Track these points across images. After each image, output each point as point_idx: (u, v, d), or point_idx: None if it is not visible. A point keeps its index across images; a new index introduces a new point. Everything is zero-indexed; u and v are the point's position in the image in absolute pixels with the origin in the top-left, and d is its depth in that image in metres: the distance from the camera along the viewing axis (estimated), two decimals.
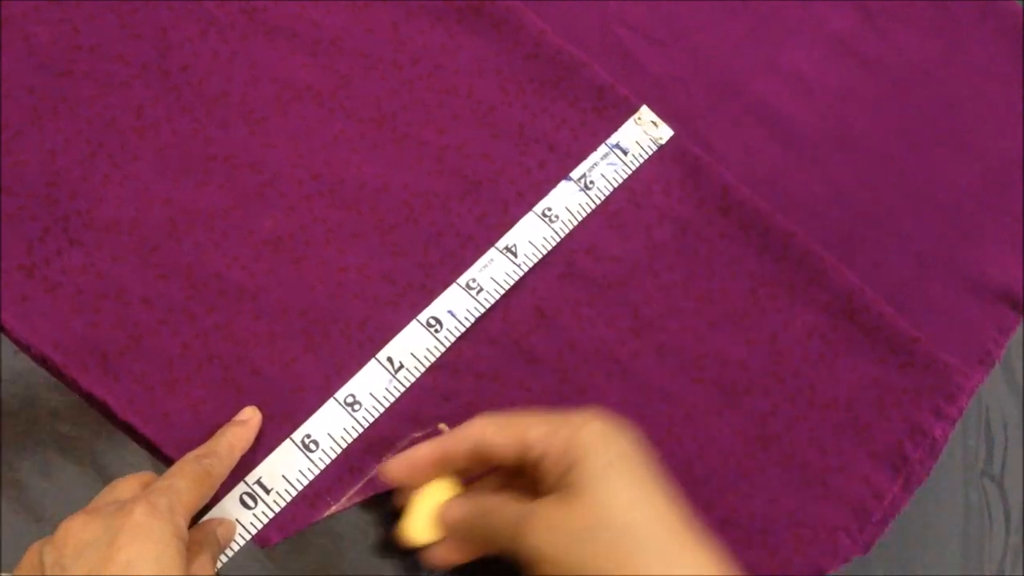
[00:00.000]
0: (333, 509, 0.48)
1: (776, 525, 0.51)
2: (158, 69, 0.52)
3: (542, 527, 0.40)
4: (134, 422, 0.46)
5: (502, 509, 0.42)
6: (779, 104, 0.59)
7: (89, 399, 0.47)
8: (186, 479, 0.41)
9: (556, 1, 0.57)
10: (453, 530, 0.44)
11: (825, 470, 0.52)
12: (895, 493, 0.52)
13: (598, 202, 0.54)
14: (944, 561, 0.55)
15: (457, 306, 0.50)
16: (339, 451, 0.47)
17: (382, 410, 0.48)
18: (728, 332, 0.53)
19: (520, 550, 0.41)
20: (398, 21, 0.55)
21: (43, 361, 0.47)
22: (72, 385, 0.47)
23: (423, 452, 0.44)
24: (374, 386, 0.49)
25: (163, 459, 0.47)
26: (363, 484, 0.48)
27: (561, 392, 0.51)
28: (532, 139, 0.54)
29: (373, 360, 0.49)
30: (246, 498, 0.45)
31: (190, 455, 0.44)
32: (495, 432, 0.43)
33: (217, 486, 0.44)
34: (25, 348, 0.47)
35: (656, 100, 0.57)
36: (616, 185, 0.54)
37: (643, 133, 0.55)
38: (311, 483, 0.47)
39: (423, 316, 0.50)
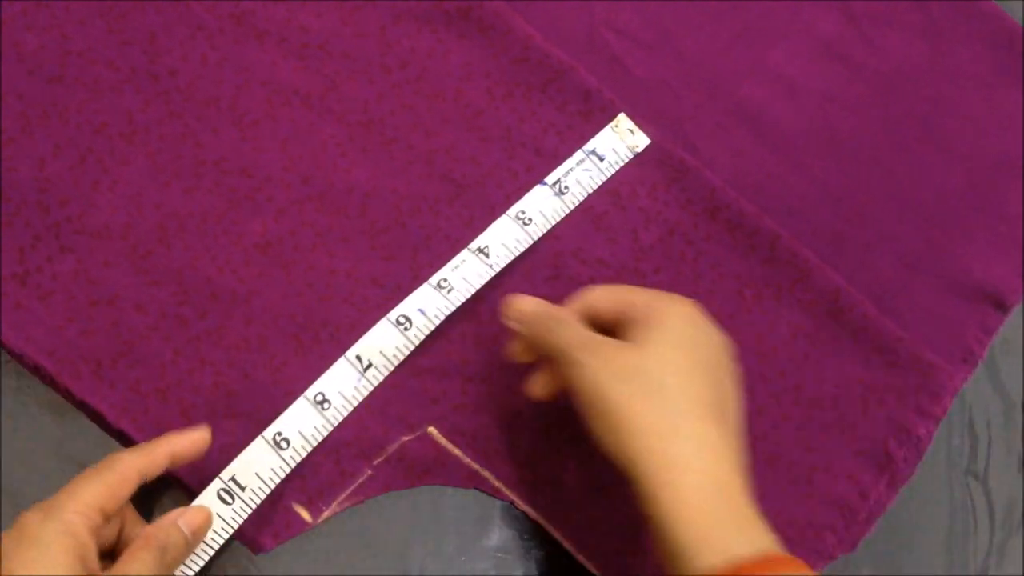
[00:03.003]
0: (326, 514, 0.48)
1: None
2: (147, 74, 0.52)
3: (595, 354, 0.44)
4: (128, 430, 0.46)
5: (571, 323, 0.46)
6: (766, 107, 0.59)
7: (82, 407, 0.47)
8: (85, 476, 0.41)
9: (543, 3, 0.57)
10: (521, 322, 0.47)
11: (811, 469, 0.52)
12: (880, 491, 0.53)
13: (572, 207, 0.54)
14: (929, 559, 0.55)
15: (427, 304, 0.50)
16: (310, 449, 0.47)
17: (351, 408, 0.48)
18: None
19: (567, 367, 0.45)
20: (386, 25, 0.55)
21: (36, 370, 0.47)
22: (65, 394, 0.47)
23: (540, 308, 0.48)
24: (343, 384, 0.49)
25: None
26: (355, 488, 0.49)
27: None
28: (519, 143, 0.55)
29: (342, 358, 0.49)
30: (223, 494, 0.45)
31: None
32: (604, 298, 0.47)
33: (132, 476, 0.42)
34: (18, 357, 0.47)
35: (643, 104, 0.57)
36: (591, 191, 0.54)
37: (619, 140, 0.55)
38: (304, 487, 0.48)
39: (392, 314, 0.50)
